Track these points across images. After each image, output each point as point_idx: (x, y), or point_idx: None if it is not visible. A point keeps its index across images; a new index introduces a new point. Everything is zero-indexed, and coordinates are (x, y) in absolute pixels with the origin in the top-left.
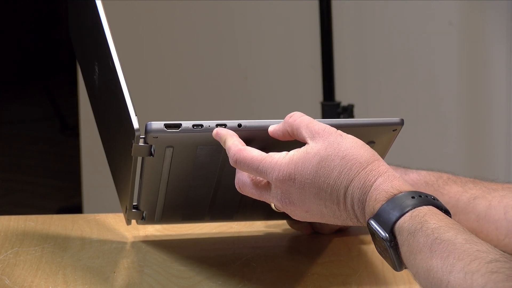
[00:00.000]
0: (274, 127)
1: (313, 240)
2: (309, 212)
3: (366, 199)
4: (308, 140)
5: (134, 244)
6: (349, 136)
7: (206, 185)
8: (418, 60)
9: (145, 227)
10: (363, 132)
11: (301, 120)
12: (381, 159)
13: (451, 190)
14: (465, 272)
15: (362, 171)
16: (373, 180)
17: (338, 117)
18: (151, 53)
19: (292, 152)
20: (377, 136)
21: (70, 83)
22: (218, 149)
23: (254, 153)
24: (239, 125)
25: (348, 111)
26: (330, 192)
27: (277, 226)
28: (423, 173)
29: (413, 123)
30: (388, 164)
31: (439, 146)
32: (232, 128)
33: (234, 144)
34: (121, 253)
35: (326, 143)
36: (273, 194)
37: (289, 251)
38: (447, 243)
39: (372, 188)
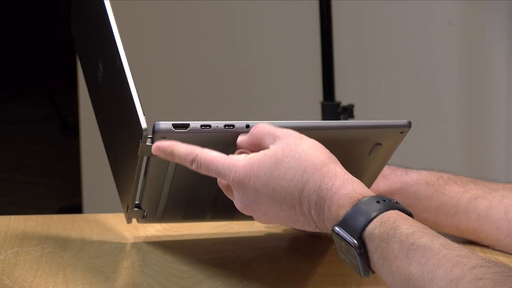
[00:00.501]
0: (242, 137)
1: (313, 240)
2: (267, 215)
3: (325, 204)
4: (270, 145)
5: (134, 244)
6: (310, 139)
7: (209, 186)
8: (418, 60)
9: (145, 228)
10: (370, 134)
11: (263, 130)
12: (339, 162)
13: (452, 190)
14: (449, 279)
15: (317, 173)
16: (330, 183)
17: (338, 117)
18: (151, 53)
19: (252, 154)
20: (383, 138)
21: (70, 83)
22: (224, 150)
23: (214, 154)
24: (247, 126)
25: (348, 111)
26: (285, 194)
27: (277, 226)
28: (424, 173)
29: (413, 123)
30: (389, 164)
31: (439, 146)
32: (240, 129)
33: (189, 148)
34: (121, 253)
35: (283, 145)
36: (234, 196)
37: (289, 251)
38: (423, 248)
39: (331, 192)
